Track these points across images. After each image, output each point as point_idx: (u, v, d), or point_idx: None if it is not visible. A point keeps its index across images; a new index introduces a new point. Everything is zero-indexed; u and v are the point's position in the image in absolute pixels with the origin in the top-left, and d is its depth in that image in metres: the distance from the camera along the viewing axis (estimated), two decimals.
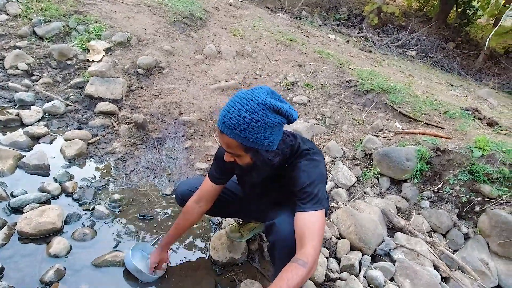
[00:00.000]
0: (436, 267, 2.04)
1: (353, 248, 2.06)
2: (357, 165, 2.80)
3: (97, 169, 2.33)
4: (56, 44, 3.49)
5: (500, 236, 2.19)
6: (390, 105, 3.43)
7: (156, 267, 1.61)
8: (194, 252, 1.89)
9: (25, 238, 1.68)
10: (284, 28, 5.66)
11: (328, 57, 4.45)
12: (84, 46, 3.55)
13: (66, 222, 1.84)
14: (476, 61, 7.40)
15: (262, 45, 4.53)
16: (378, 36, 7.34)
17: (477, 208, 2.38)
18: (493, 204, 2.32)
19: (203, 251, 1.90)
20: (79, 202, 2.01)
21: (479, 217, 2.37)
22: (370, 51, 5.96)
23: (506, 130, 2.99)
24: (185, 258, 1.83)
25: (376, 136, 3.00)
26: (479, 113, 3.20)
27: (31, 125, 2.55)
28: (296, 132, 1.51)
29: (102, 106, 2.88)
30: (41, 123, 2.61)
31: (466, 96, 4.39)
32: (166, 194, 2.25)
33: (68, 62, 3.36)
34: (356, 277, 1.85)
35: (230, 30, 4.86)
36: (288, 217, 1.22)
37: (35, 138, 2.44)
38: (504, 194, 2.31)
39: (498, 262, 2.21)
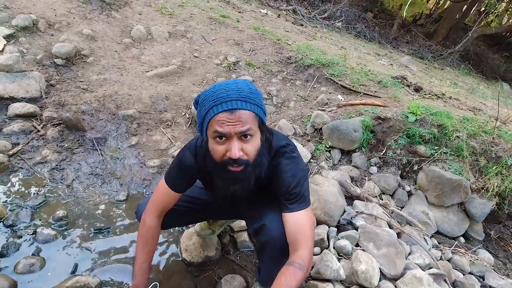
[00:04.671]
0: (390, 226, 2.27)
1: (319, 222, 2.15)
2: (309, 141, 2.89)
3: (28, 184, 1.98)
4: None
5: (436, 189, 2.51)
6: (330, 78, 3.57)
7: None
8: (164, 257, 1.76)
9: None
10: (215, 4, 5.38)
11: (265, 34, 4.39)
12: None
13: (2, 255, 1.54)
14: (391, 29, 8.10)
15: (195, 24, 4.25)
16: (306, 8, 7.49)
17: (416, 167, 2.68)
18: (428, 162, 2.63)
19: (174, 255, 1.79)
20: (14, 228, 1.69)
21: (417, 175, 2.67)
22: (302, 25, 6.07)
23: (429, 94, 3.37)
24: (155, 267, 1.70)
25: (323, 110, 3.11)
26: (407, 80, 3.53)
27: None
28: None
29: (17, 108, 2.41)
30: None
31: (392, 64, 4.80)
32: (120, 200, 2.03)
33: None
34: (326, 249, 1.95)
35: (157, 8, 4.43)
36: (277, 217, 1.18)
37: None
38: (436, 152, 2.63)
39: (435, 211, 2.54)
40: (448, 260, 2.13)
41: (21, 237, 1.66)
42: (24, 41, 3.02)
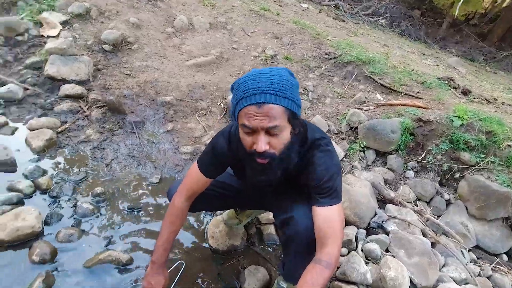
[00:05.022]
0: (424, 234, 2.15)
1: (348, 223, 2.09)
2: (343, 139, 2.81)
3: (72, 160, 2.11)
4: (0, 16, 3.01)
5: (478, 200, 2.33)
6: (370, 76, 3.43)
7: None
8: (191, 241, 1.81)
9: (0, 246, 1.50)
10: None
11: (305, 28, 4.31)
12: (35, 19, 3.11)
13: (46, 223, 1.66)
14: (440, 29, 7.62)
15: (236, 16, 4.27)
16: (348, 4, 7.25)
17: (457, 175, 2.51)
18: (471, 171, 2.45)
19: (201, 240, 1.83)
20: (58, 200, 1.81)
21: (458, 183, 2.50)
22: (344, 21, 5.89)
23: (479, 98, 3.12)
24: (182, 250, 1.75)
25: (359, 109, 3.01)
26: (454, 82, 3.31)
27: None
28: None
29: (67, 89, 2.58)
30: None
31: (438, 65, 4.52)
32: (153, 183, 2.11)
33: (19, 38, 2.94)
34: (354, 251, 1.89)
35: None
36: (306, 210, 1.15)
37: None
38: (482, 161, 2.44)
39: (476, 224, 2.36)
40: (488, 278, 1.98)
41: (63, 208, 1.78)
42: (77, 27, 3.21)
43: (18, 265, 1.45)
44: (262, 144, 0.99)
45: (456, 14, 6.23)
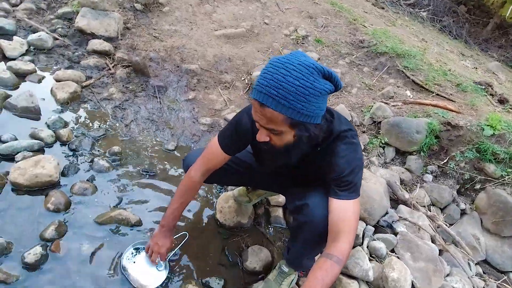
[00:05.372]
0: (433, 241, 2.10)
1: None
2: (364, 132, 2.73)
3: (93, 116, 2.14)
4: None
5: (496, 215, 2.26)
6: (402, 71, 3.27)
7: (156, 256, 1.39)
8: (200, 214, 1.83)
9: (19, 189, 1.55)
10: None
11: (341, 11, 4.11)
12: None
13: (63, 174, 1.71)
14: (484, 29, 7.13)
15: None
16: None
17: (478, 186, 2.41)
18: (494, 184, 2.35)
19: (209, 213, 1.84)
20: (76, 153, 1.85)
21: (477, 195, 2.41)
22: (383, 8, 5.58)
23: None
24: (190, 219, 1.77)
25: (386, 103, 2.89)
26: (491, 89, 3.12)
27: (14, 59, 2.25)
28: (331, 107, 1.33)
29: (95, 44, 2.57)
30: (27, 57, 2.31)
31: (476, 68, 4.26)
32: (169, 150, 2.11)
33: None
34: (359, 246, 1.88)
35: None
36: (322, 199, 1.12)
37: (21, 76, 2.17)
38: (507, 175, 2.33)
39: (488, 238, 2.30)
40: None
41: (80, 162, 1.82)
42: None
43: (34, 210, 1.50)
44: (260, 135, 1.01)
45: (507, 15, 5.78)
